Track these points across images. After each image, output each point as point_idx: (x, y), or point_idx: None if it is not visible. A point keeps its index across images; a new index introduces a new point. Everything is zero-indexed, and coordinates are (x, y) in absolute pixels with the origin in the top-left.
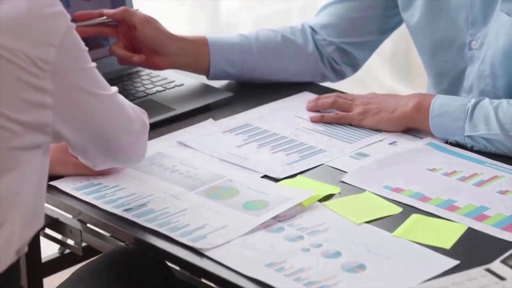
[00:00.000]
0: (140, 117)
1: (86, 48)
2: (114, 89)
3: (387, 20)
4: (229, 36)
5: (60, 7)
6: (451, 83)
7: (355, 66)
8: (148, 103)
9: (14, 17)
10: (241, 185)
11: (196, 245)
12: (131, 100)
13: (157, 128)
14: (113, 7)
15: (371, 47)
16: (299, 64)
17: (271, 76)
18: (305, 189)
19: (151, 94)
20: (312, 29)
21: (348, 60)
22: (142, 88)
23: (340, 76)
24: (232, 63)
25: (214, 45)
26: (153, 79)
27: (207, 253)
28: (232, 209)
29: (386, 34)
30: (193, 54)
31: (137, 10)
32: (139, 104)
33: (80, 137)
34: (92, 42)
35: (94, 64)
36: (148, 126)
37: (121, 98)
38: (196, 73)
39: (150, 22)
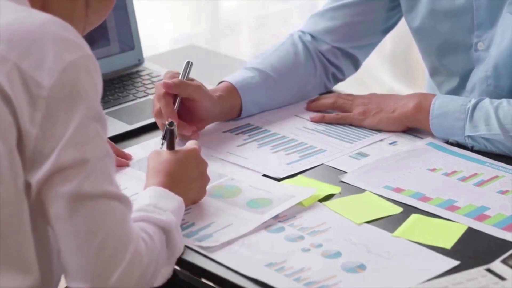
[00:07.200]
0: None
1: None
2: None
3: (390, 20)
4: (251, 77)
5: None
6: (456, 84)
7: (357, 66)
8: (148, 103)
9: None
10: (243, 183)
11: (203, 244)
12: (131, 100)
13: (157, 128)
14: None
15: (374, 46)
16: (309, 89)
17: (284, 104)
18: (307, 187)
19: (151, 94)
20: (313, 37)
21: (352, 63)
22: (142, 88)
23: (341, 80)
24: (259, 105)
25: (245, 98)
26: (153, 79)
27: (207, 253)
28: (237, 208)
29: (388, 32)
30: (228, 110)
31: (193, 80)
32: (139, 104)
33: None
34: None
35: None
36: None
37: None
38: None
39: (204, 92)
